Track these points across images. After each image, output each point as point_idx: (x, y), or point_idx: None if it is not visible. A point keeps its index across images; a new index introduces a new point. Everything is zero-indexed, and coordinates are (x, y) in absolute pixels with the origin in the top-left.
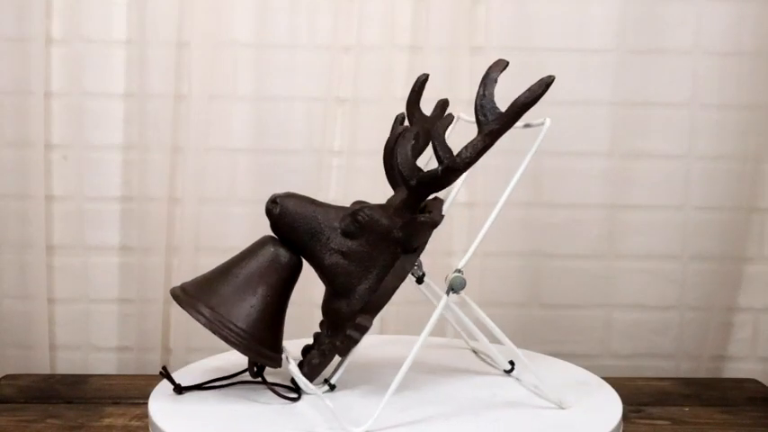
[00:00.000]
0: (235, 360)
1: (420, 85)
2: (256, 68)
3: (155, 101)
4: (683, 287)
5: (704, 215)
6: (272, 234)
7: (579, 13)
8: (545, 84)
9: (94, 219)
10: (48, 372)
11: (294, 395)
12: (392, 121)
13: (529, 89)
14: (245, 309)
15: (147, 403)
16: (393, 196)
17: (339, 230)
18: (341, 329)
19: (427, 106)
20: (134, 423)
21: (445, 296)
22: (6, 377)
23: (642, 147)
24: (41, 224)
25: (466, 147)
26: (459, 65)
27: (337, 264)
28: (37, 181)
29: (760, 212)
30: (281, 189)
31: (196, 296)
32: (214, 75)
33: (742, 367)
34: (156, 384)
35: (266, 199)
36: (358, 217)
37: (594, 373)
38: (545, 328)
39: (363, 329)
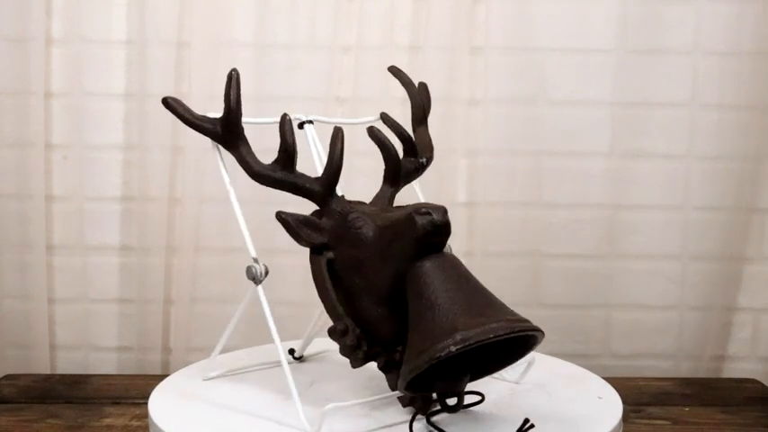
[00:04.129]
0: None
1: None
2: (256, 68)
3: (155, 101)
4: (683, 287)
5: (704, 215)
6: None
7: (579, 13)
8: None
9: (94, 219)
10: (48, 372)
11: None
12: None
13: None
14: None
15: (147, 403)
16: (378, 196)
17: None
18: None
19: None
20: (134, 423)
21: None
22: (6, 377)
23: (642, 147)
24: (41, 224)
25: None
26: (459, 65)
27: None
28: (37, 181)
29: (760, 212)
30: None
31: (481, 322)
32: (214, 75)
33: (742, 367)
34: (156, 384)
35: (266, 200)
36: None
37: (594, 373)
38: (545, 328)
39: None
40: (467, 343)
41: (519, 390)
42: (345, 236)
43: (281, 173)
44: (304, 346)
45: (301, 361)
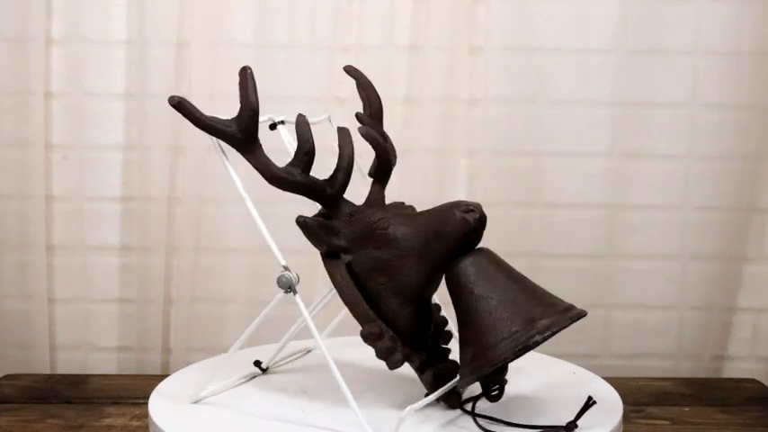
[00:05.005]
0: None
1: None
2: (256, 68)
3: (155, 101)
4: (683, 287)
5: (704, 215)
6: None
7: (579, 13)
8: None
9: (94, 219)
10: (48, 372)
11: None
12: (390, 122)
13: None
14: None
15: (147, 403)
16: (372, 196)
17: None
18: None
19: (427, 106)
20: (134, 423)
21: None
22: (6, 377)
23: (642, 147)
24: (41, 224)
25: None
26: (459, 65)
27: None
28: (37, 181)
29: (760, 212)
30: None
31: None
32: (214, 75)
33: (742, 367)
34: (156, 384)
35: (266, 199)
36: None
37: (595, 373)
38: None
39: None
40: (549, 331)
41: (518, 388)
42: (369, 237)
43: (300, 176)
44: (273, 358)
45: (266, 372)
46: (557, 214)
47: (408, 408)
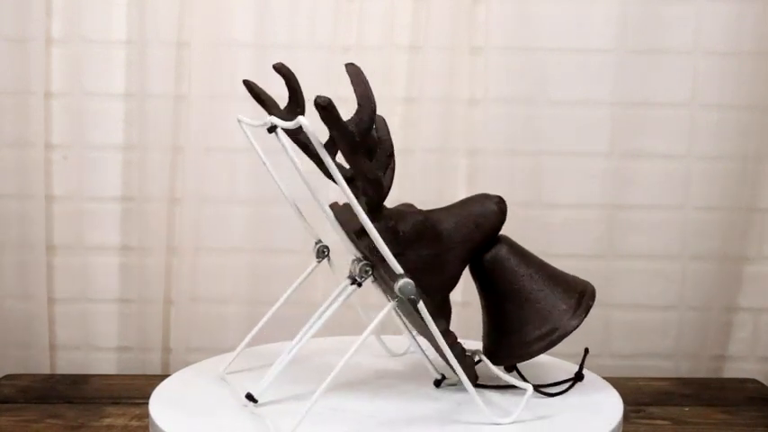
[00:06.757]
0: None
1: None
2: (256, 68)
3: (155, 101)
4: (683, 287)
5: (704, 215)
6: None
7: (579, 13)
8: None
9: (94, 219)
10: (48, 372)
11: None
12: (390, 122)
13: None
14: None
15: (147, 403)
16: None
17: None
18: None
19: (427, 106)
20: (134, 423)
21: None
22: (6, 377)
23: (642, 147)
24: (41, 224)
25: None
26: (459, 65)
27: None
28: (37, 181)
29: (760, 212)
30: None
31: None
32: (214, 75)
33: (742, 367)
34: (156, 384)
35: (266, 199)
36: None
37: (595, 373)
38: None
39: None
40: (594, 297)
41: (518, 389)
42: (419, 236)
43: (384, 178)
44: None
45: (258, 405)
46: (557, 214)
47: (529, 391)
